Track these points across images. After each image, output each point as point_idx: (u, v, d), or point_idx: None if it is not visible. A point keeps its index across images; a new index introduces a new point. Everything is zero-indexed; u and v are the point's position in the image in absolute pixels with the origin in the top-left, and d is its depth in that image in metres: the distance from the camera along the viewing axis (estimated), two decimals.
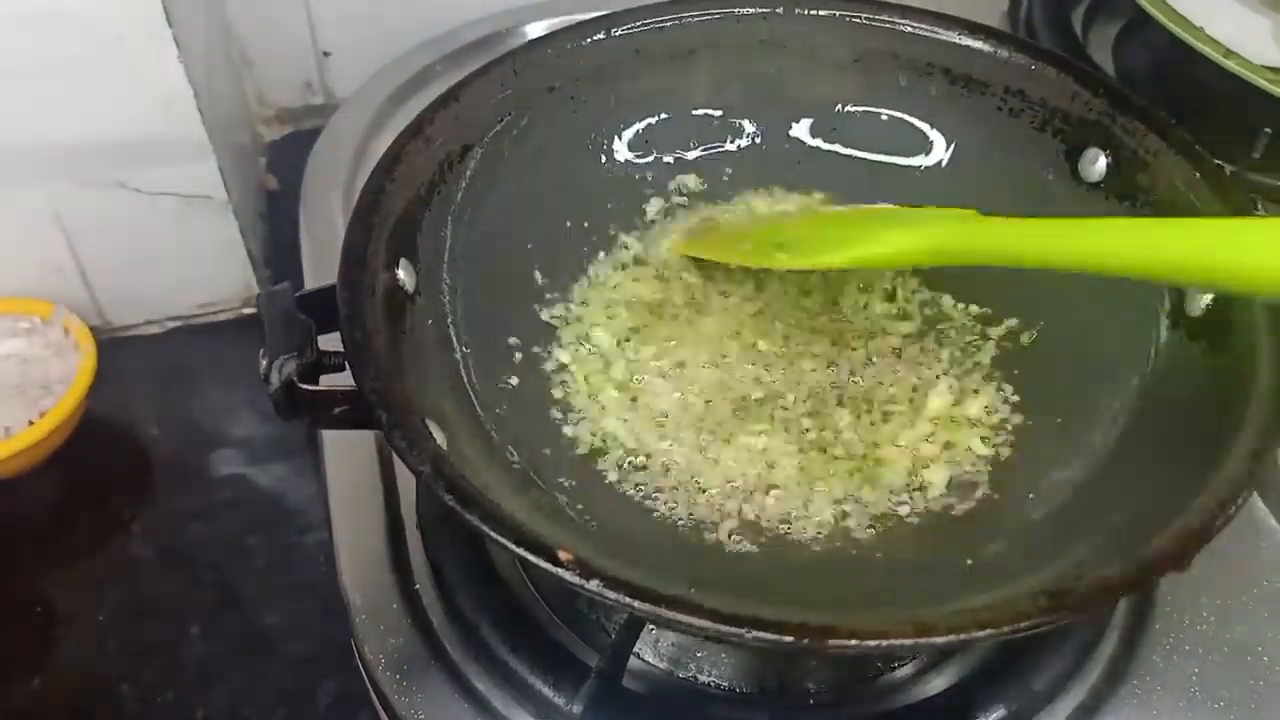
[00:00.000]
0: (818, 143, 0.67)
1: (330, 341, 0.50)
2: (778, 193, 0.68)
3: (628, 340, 0.62)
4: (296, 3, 0.91)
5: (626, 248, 0.66)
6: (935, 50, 0.64)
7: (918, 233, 0.58)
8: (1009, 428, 0.58)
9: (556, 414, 0.58)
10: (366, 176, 0.55)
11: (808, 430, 0.58)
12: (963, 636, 0.39)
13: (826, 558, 0.53)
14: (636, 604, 0.40)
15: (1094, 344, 0.57)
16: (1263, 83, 0.67)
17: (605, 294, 0.64)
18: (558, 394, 0.59)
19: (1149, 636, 0.58)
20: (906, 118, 0.66)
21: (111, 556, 0.73)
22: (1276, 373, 0.48)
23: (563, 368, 0.60)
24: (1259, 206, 0.68)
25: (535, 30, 0.87)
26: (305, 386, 0.47)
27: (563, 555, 0.40)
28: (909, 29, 0.64)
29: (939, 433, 0.58)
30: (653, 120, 0.66)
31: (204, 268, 0.82)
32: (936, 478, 0.56)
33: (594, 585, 0.40)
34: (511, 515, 0.42)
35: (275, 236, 0.89)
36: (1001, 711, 0.53)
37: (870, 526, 0.55)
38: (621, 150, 0.66)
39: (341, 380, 0.48)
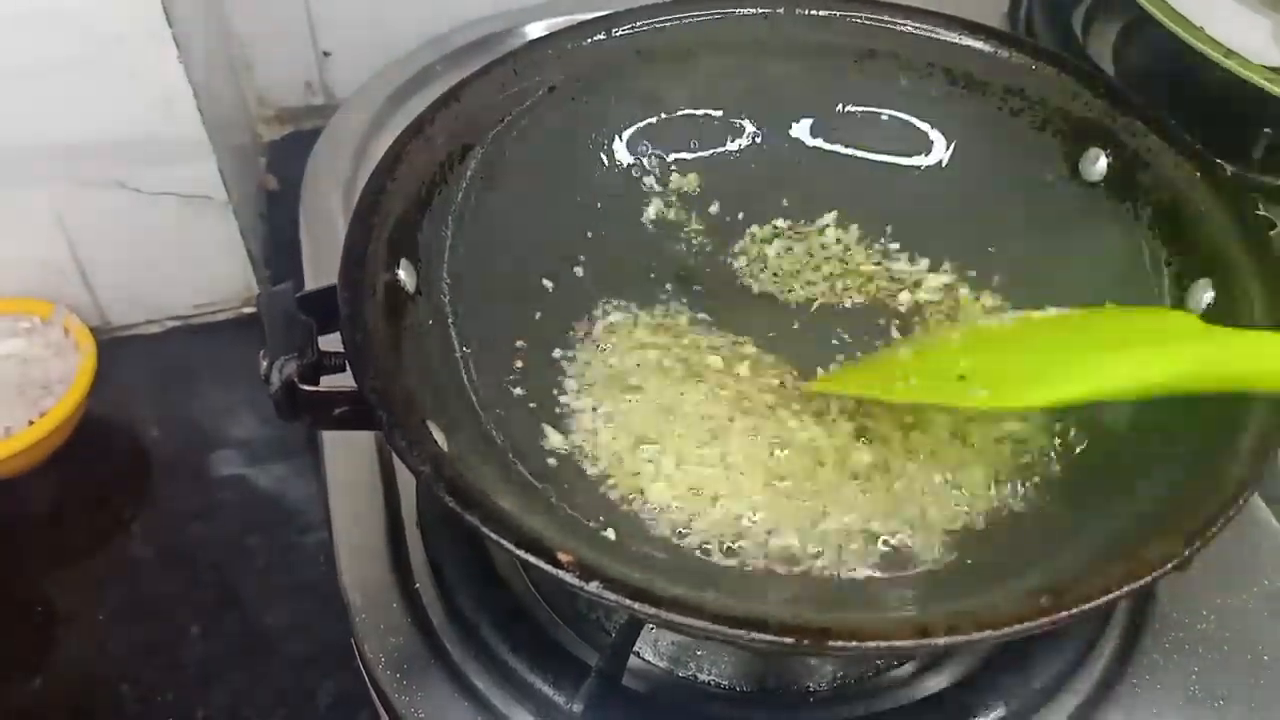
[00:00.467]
0: (818, 143, 0.67)
1: (331, 342, 0.50)
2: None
3: (630, 346, 0.62)
4: (297, 3, 0.91)
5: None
6: (936, 50, 0.64)
7: (1154, 362, 0.49)
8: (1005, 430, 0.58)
9: (557, 416, 0.58)
10: (367, 177, 0.55)
11: (817, 446, 0.58)
12: (962, 638, 0.39)
13: (829, 578, 0.53)
14: (636, 605, 0.40)
15: None
16: (1263, 82, 0.67)
17: (608, 299, 0.64)
18: (559, 396, 0.59)
19: (1149, 635, 0.58)
20: (907, 117, 0.66)
21: (111, 556, 0.73)
22: None
23: (564, 371, 0.60)
24: (1259, 207, 0.68)
25: (535, 31, 0.87)
26: (306, 387, 0.47)
27: (562, 557, 0.40)
28: (909, 29, 0.65)
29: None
30: (653, 120, 0.66)
31: (204, 267, 0.82)
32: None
33: (594, 587, 0.40)
34: (512, 516, 0.42)
35: (275, 236, 0.89)
36: (1002, 710, 0.53)
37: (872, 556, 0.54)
38: (621, 151, 0.66)
39: (342, 381, 0.49)
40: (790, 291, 0.65)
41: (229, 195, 0.79)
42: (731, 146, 0.67)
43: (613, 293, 0.64)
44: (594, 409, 0.58)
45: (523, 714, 0.54)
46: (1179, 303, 0.55)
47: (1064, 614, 0.40)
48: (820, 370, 0.60)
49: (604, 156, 0.65)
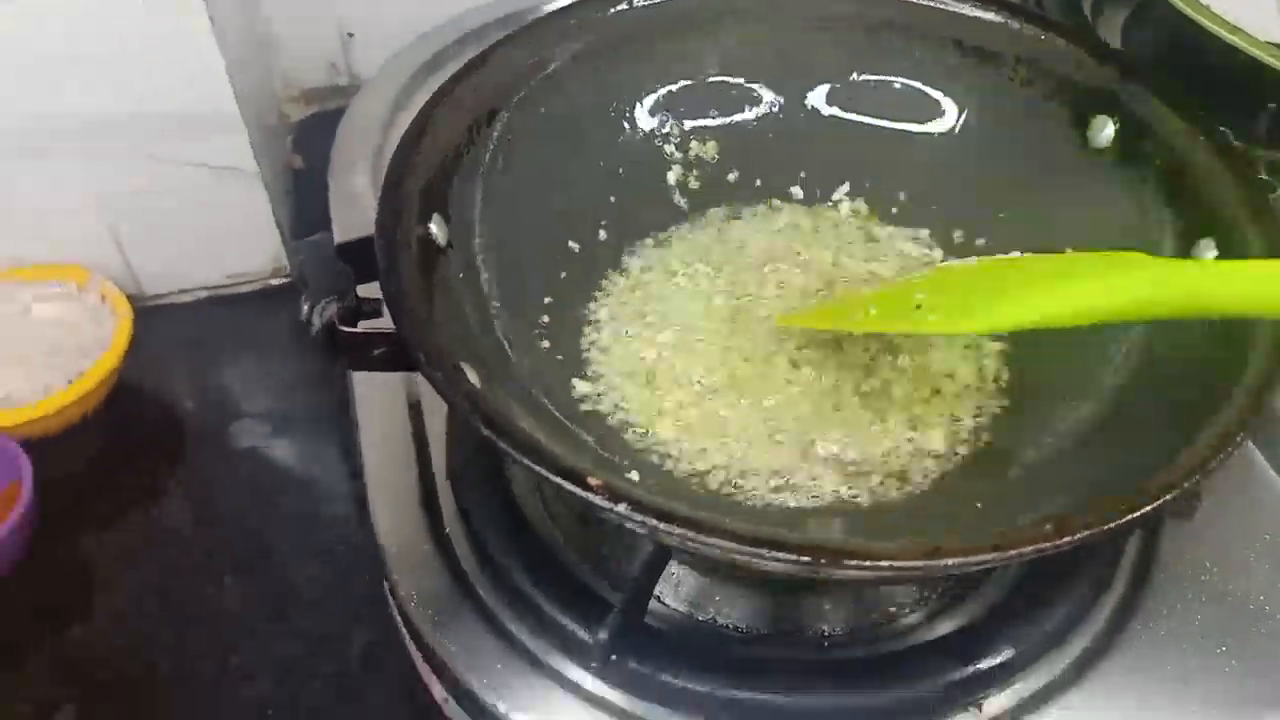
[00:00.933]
0: (833, 110, 0.68)
1: (368, 290, 0.52)
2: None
3: (654, 302, 0.64)
4: None
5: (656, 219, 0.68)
6: (949, 22, 0.66)
7: (1102, 286, 0.51)
8: (1016, 372, 0.61)
9: (582, 366, 0.61)
10: (391, 153, 0.57)
11: (821, 390, 0.60)
12: (972, 559, 0.41)
13: (840, 507, 0.56)
14: (661, 525, 0.41)
15: None
16: (1267, 58, 0.69)
17: (630, 256, 0.66)
18: (584, 349, 0.61)
19: (1154, 585, 0.60)
20: (919, 86, 0.68)
21: (146, 513, 0.75)
22: (1277, 321, 0.50)
23: (590, 324, 0.63)
24: (1262, 174, 0.69)
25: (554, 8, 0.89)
26: (345, 329, 0.49)
27: (592, 481, 0.42)
28: (924, 1, 0.66)
29: (944, 382, 0.60)
30: (673, 88, 0.68)
31: (234, 239, 0.85)
32: (937, 431, 0.58)
33: (622, 508, 0.42)
34: (544, 443, 0.44)
35: (300, 213, 0.91)
36: (1010, 653, 0.55)
37: (882, 482, 0.57)
38: (642, 117, 0.67)
39: (380, 325, 0.51)
40: (798, 255, 0.67)
41: (259, 168, 0.81)
42: (750, 114, 0.69)
43: (633, 251, 0.66)
44: (616, 360, 0.61)
45: (549, 650, 0.56)
46: (1184, 254, 0.57)
47: (1069, 538, 0.42)
48: None
49: (625, 123, 0.67)
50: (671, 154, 0.68)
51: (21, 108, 0.73)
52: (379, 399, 0.67)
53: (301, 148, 0.97)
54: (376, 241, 0.50)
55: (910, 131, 0.68)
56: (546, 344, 0.60)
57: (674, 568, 0.59)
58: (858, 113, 0.69)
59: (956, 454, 0.58)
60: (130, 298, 0.80)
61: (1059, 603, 0.57)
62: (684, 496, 0.55)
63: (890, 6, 0.66)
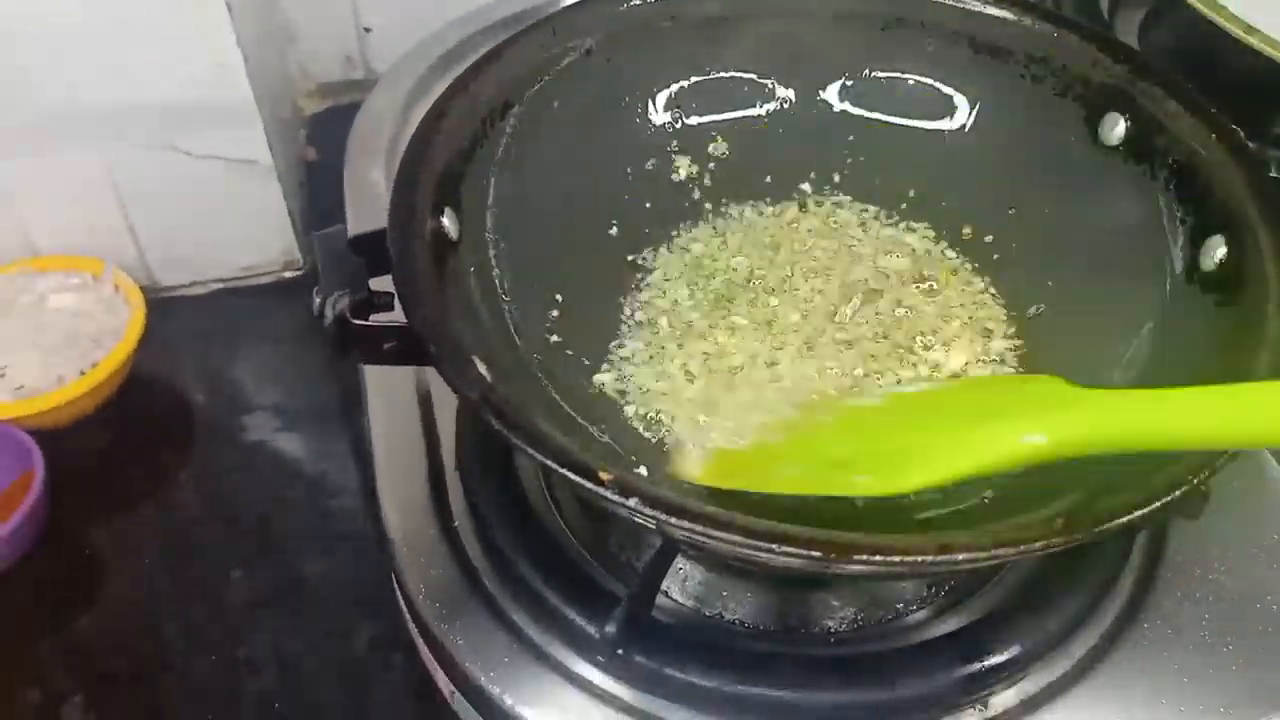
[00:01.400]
0: (845, 106, 0.68)
1: (380, 284, 0.52)
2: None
3: (665, 296, 0.64)
4: None
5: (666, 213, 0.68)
6: (961, 18, 0.66)
7: (1025, 431, 0.47)
8: (1028, 369, 0.61)
9: (593, 362, 0.61)
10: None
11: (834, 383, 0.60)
12: (981, 554, 0.41)
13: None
14: (672, 520, 0.41)
15: (1108, 292, 0.59)
16: None
17: (641, 251, 0.67)
18: (594, 344, 0.61)
19: (1161, 583, 0.60)
20: (932, 82, 0.67)
21: (157, 504, 0.76)
22: None
23: (599, 320, 0.63)
24: (1271, 170, 0.69)
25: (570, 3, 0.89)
26: (357, 321, 0.49)
27: (603, 475, 0.42)
28: None
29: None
30: (686, 83, 0.68)
31: (248, 231, 0.85)
32: None
33: (633, 502, 0.42)
34: (554, 437, 0.45)
35: (314, 206, 0.92)
36: (1017, 649, 0.54)
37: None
38: (655, 112, 0.67)
39: (391, 319, 0.51)
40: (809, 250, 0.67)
41: (274, 161, 0.81)
42: (762, 110, 0.69)
43: (644, 246, 0.67)
44: (627, 356, 0.61)
45: (556, 644, 0.56)
46: (1192, 259, 0.57)
47: (1079, 534, 0.42)
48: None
49: (638, 117, 0.67)
50: (683, 149, 0.68)
51: (38, 99, 0.73)
52: (389, 392, 0.68)
53: (316, 141, 0.98)
54: (389, 234, 0.50)
55: (922, 128, 0.68)
56: (557, 338, 0.60)
57: (681, 563, 0.59)
58: (870, 109, 0.69)
59: None
60: (143, 289, 0.81)
61: (1066, 600, 0.57)
62: (694, 491, 0.55)
63: (904, 3, 0.66)
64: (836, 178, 0.69)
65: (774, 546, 0.41)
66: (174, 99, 0.76)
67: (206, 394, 0.82)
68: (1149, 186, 0.60)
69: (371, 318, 0.52)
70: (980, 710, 0.55)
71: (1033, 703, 0.55)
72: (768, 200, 0.69)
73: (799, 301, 0.64)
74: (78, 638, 0.68)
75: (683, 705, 0.54)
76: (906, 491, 0.49)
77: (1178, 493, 0.43)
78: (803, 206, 0.69)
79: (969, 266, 0.66)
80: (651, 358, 0.61)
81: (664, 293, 0.64)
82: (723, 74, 0.68)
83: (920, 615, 0.59)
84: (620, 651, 0.53)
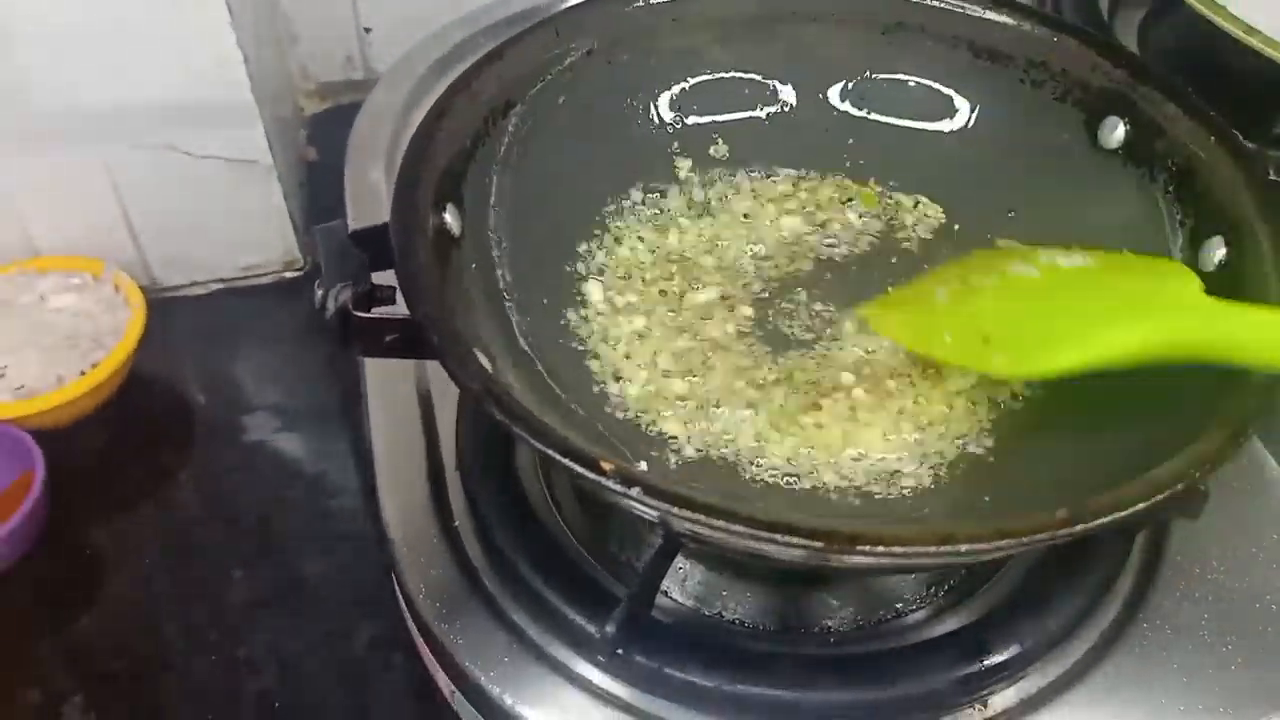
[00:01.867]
0: (846, 107, 0.69)
1: (381, 278, 0.52)
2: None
3: (661, 293, 0.64)
4: None
5: (661, 210, 0.68)
6: (961, 23, 0.66)
7: (1151, 329, 0.53)
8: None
9: (594, 359, 0.61)
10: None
11: (838, 395, 0.61)
12: (984, 545, 0.41)
13: (851, 498, 0.56)
14: (674, 510, 0.42)
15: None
16: None
17: (640, 250, 0.66)
18: (597, 341, 0.62)
19: (1161, 583, 0.60)
20: (933, 84, 0.68)
21: (157, 504, 0.76)
22: None
23: (601, 315, 0.63)
24: (1270, 172, 0.70)
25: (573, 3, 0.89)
26: (359, 314, 0.49)
27: (605, 465, 0.42)
28: (938, 3, 0.67)
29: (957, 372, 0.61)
30: (688, 83, 0.68)
31: (248, 231, 0.85)
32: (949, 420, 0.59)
33: (635, 492, 0.42)
34: (557, 429, 0.45)
35: (314, 206, 0.92)
36: (1017, 648, 0.54)
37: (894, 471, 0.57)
38: (657, 112, 0.68)
39: (393, 312, 0.51)
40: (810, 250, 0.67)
41: (274, 161, 0.81)
42: (763, 111, 0.69)
43: (646, 244, 0.67)
44: (627, 353, 0.61)
45: (556, 643, 0.56)
46: (1191, 260, 0.57)
47: (1081, 526, 0.42)
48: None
49: (639, 118, 0.67)
50: (685, 149, 0.69)
51: (38, 99, 0.73)
52: (389, 391, 0.68)
53: (316, 141, 0.98)
54: (392, 227, 0.50)
55: (923, 130, 0.68)
56: (558, 334, 0.60)
57: (681, 562, 0.59)
58: (871, 111, 0.69)
59: (967, 445, 0.58)
60: (143, 289, 0.81)
61: (1066, 600, 0.57)
62: (695, 483, 0.55)
63: (904, 8, 0.67)
64: (838, 178, 0.69)
65: (778, 537, 0.41)
66: (174, 99, 0.76)
67: (206, 394, 0.82)
68: (1148, 189, 0.61)
69: (373, 311, 0.52)
70: (980, 710, 0.55)
71: (1033, 703, 0.55)
72: (770, 200, 0.69)
73: (801, 301, 0.64)
74: (78, 638, 0.68)
75: (683, 705, 0.54)
76: (1031, 376, 0.57)
77: (1179, 485, 0.43)
78: (805, 206, 0.69)
79: None
80: (652, 354, 0.61)
81: (666, 291, 0.64)
82: (724, 75, 0.68)
83: (920, 615, 0.59)
84: (620, 651, 0.53)
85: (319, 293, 0.50)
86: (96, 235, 0.81)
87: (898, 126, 0.68)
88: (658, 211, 0.68)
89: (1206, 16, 0.70)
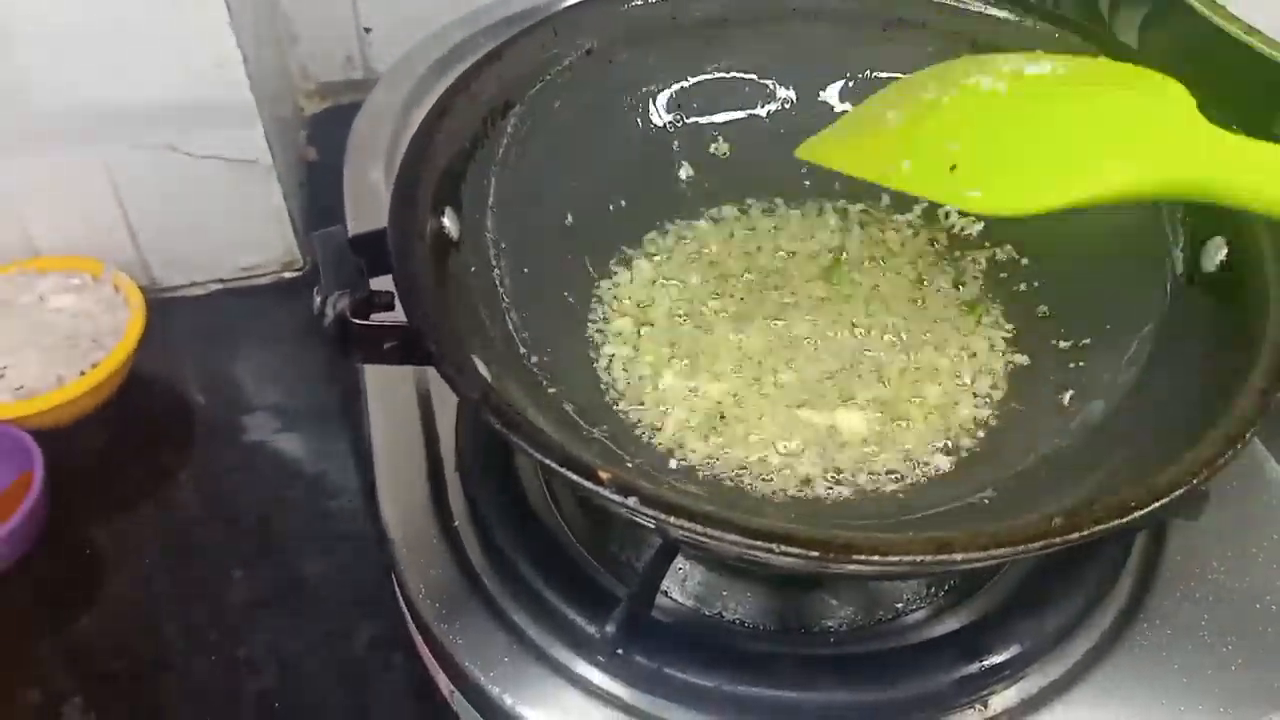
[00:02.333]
0: (846, 107, 0.68)
1: (380, 284, 0.52)
2: None
3: (664, 295, 0.64)
4: None
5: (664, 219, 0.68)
6: (961, 19, 0.66)
7: (1147, 163, 0.48)
8: (1024, 370, 0.61)
9: (593, 360, 0.61)
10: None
11: (834, 386, 0.61)
12: (980, 553, 0.41)
13: (854, 503, 0.56)
14: (671, 519, 0.41)
15: (1109, 293, 0.59)
16: None
17: (642, 252, 0.67)
18: (598, 343, 0.62)
19: (1161, 583, 0.60)
20: None
21: (157, 504, 0.76)
22: None
23: (601, 319, 0.63)
24: None
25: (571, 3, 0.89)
26: (357, 321, 0.49)
27: (602, 474, 0.42)
28: None
29: (950, 379, 0.61)
30: (687, 83, 0.68)
31: (248, 231, 0.85)
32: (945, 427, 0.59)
33: (632, 502, 0.42)
34: (554, 437, 0.45)
35: (314, 206, 0.92)
36: (1016, 649, 0.54)
37: (892, 477, 0.57)
38: (656, 113, 0.67)
39: (391, 319, 0.51)
40: (810, 250, 0.68)
41: (274, 161, 0.81)
42: (763, 110, 0.69)
43: (645, 247, 0.67)
44: (628, 356, 0.61)
45: (556, 643, 0.56)
46: (1193, 261, 0.57)
47: (1078, 534, 0.42)
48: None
49: (638, 118, 0.67)
50: (684, 149, 0.68)
51: (38, 99, 0.73)
52: (389, 392, 0.68)
53: (316, 141, 0.98)
54: (389, 234, 0.50)
55: None
56: (558, 338, 0.60)
57: (681, 563, 0.59)
58: None
59: (964, 451, 0.58)
60: (143, 289, 0.81)
61: (1065, 600, 0.57)
62: (692, 490, 0.55)
63: (904, 4, 0.66)
64: (837, 178, 0.69)
65: (773, 546, 0.41)
66: (174, 99, 0.76)
67: (206, 394, 0.82)
68: None
69: (372, 317, 0.52)
70: (980, 710, 0.55)
71: (1033, 703, 0.55)
72: (769, 200, 0.69)
73: (801, 301, 0.64)
74: (78, 638, 0.68)
75: (683, 705, 0.54)
76: (1014, 214, 0.49)
77: (1178, 493, 0.43)
78: (804, 207, 0.69)
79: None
80: (652, 357, 0.61)
81: (665, 292, 0.64)
82: (724, 74, 0.68)
83: (920, 615, 0.59)
84: (620, 651, 0.53)
85: (317, 299, 0.50)
86: (96, 235, 0.81)
87: None
88: (658, 211, 0.68)
89: (1206, 16, 0.70)
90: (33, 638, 0.68)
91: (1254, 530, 0.62)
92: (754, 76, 0.68)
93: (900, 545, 0.41)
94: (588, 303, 0.63)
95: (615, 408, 0.59)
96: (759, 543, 0.41)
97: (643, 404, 0.59)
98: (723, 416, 0.59)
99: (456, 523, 0.61)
